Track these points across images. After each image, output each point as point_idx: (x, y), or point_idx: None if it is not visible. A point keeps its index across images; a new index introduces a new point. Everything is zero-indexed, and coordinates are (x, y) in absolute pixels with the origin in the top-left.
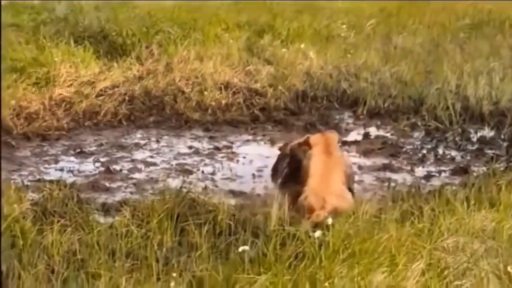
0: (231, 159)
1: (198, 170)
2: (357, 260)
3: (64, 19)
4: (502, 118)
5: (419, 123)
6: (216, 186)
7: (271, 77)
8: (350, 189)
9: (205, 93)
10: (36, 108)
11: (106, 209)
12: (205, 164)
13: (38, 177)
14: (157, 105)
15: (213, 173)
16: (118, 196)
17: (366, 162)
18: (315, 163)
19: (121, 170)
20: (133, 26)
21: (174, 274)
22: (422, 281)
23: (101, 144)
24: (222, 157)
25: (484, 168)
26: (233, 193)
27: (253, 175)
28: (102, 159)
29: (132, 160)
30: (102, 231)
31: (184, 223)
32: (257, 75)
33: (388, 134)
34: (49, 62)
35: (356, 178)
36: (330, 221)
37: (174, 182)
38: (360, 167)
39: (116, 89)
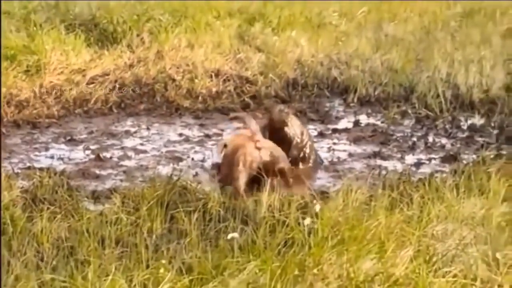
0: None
1: (189, 157)
2: (346, 247)
3: (55, 7)
4: (492, 106)
5: (410, 111)
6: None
7: (262, 65)
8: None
9: (196, 80)
10: (27, 95)
11: (96, 196)
12: (196, 152)
13: (28, 164)
14: (148, 92)
15: (203, 160)
16: (108, 184)
17: (357, 149)
18: None
19: (111, 157)
20: (124, 13)
21: (164, 261)
22: (411, 268)
23: (92, 132)
24: (212, 145)
25: (474, 156)
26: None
27: None
28: (92, 147)
29: (122, 148)
30: (91, 219)
31: (174, 211)
32: (248, 63)
33: (378, 122)
34: (40, 50)
35: (347, 165)
36: (317, 208)
37: (164, 170)
38: (350, 155)
39: (106, 77)
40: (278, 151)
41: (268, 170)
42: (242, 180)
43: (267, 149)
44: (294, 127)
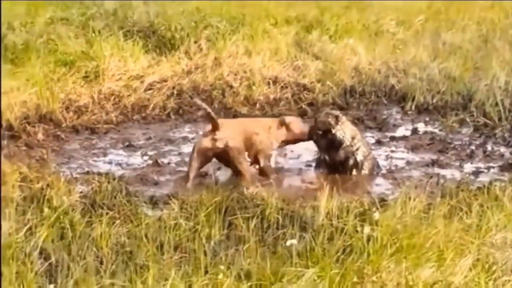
0: (279, 154)
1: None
2: (404, 255)
3: (113, 14)
4: None
5: (468, 119)
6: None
7: (319, 72)
8: None
9: (253, 87)
10: (85, 101)
11: (154, 202)
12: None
13: (87, 169)
14: (205, 99)
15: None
16: (166, 189)
17: (415, 157)
18: None
19: (169, 163)
20: (182, 21)
21: (222, 267)
22: (470, 276)
23: (149, 138)
24: None
25: None
26: (280, 187)
27: (301, 169)
28: (150, 153)
29: (180, 154)
30: (150, 224)
31: (232, 217)
32: (305, 70)
33: (436, 130)
34: (98, 56)
35: (405, 173)
36: (377, 215)
37: (222, 176)
38: (408, 163)
39: (164, 83)
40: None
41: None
42: (193, 166)
43: (223, 140)
44: (343, 131)
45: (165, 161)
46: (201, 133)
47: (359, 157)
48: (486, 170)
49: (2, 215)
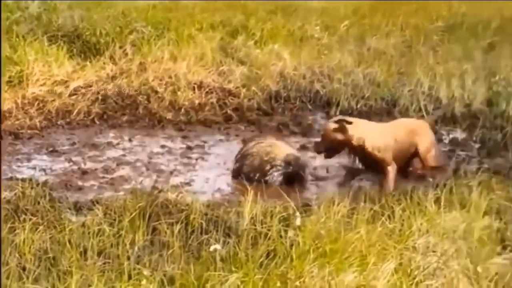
0: (203, 159)
1: (171, 169)
2: (328, 260)
3: (37, 18)
4: (474, 120)
5: None
6: (190, 185)
7: (245, 77)
8: None
9: (179, 93)
10: (9, 106)
11: (78, 207)
12: (178, 164)
13: (10, 175)
14: (130, 104)
15: (185, 173)
16: (90, 195)
17: (336, 162)
18: None
19: (93, 169)
20: (107, 25)
21: (146, 273)
22: (392, 281)
23: (74, 143)
24: (195, 157)
25: (455, 169)
26: (205, 192)
27: (224, 174)
28: (74, 158)
29: (105, 159)
30: (74, 230)
31: (156, 222)
32: (231, 75)
33: None
34: (22, 61)
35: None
36: (298, 221)
37: (147, 181)
38: (332, 167)
39: (89, 88)
40: None
41: None
42: None
43: None
44: None
45: (90, 166)
46: (125, 138)
47: None
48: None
49: None
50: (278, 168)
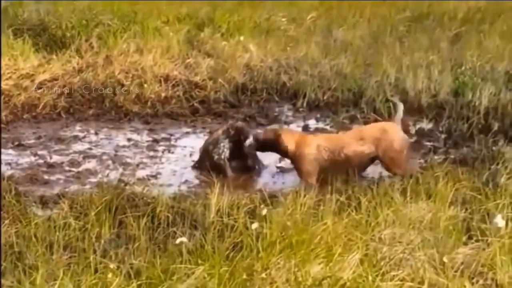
0: (170, 152)
1: (137, 162)
2: (294, 251)
3: (3, 11)
4: (440, 111)
5: (358, 116)
6: (156, 178)
7: (211, 70)
8: None
9: (145, 86)
10: None
11: (44, 201)
12: (144, 157)
13: None
14: (97, 98)
15: (152, 165)
16: (56, 189)
17: None
18: None
19: (59, 162)
20: (73, 19)
21: (112, 266)
22: (358, 272)
23: (40, 137)
24: (162, 150)
25: (422, 160)
26: (171, 185)
27: (192, 167)
28: (40, 152)
29: (71, 153)
30: (39, 224)
31: (123, 216)
32: (197, 68)
33: (327, 127)
34: None
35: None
36: (264, 212)
37: (113, 175)
38: None
39: (55, 82)
40: None
41: None
42: None
43: None
44: None
45: (56, 160)
46: (92, 131)
47: None
48: (375, 165)
49: None
50: (221, 140)
